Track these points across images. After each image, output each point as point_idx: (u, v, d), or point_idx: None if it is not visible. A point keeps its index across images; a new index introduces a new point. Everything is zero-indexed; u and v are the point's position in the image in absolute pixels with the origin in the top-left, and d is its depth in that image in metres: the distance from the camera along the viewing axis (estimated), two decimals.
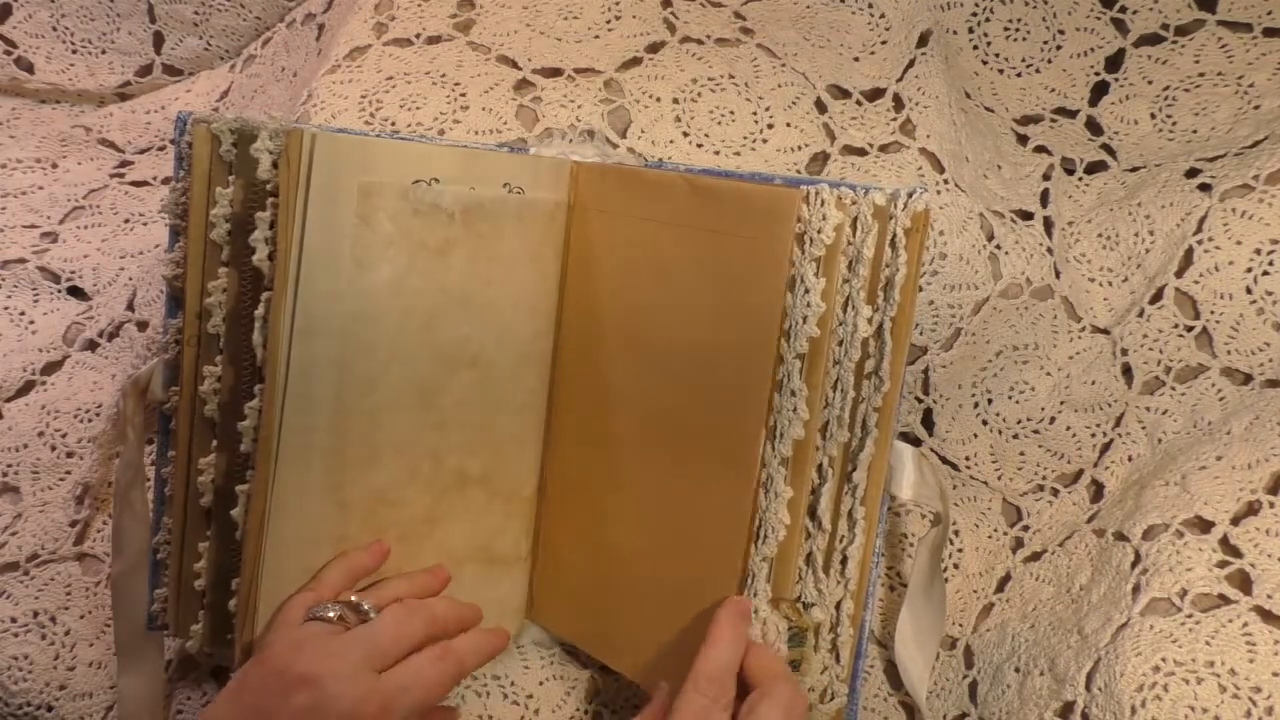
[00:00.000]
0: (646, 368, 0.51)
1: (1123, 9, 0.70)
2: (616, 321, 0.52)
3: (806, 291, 0.46)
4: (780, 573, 0.49)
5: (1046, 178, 0.68)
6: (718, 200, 0.48)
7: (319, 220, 0.45)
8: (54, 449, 0.61)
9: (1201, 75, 0.69)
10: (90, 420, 0.62)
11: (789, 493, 0.48)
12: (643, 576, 0.53)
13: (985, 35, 0.71)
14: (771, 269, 0.47)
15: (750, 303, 0.47)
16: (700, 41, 0.64)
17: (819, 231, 0.46)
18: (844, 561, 0.50)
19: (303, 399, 0.47)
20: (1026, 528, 0.62)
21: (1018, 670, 0.56)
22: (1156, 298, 0.63)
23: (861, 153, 0.62)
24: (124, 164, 0.76)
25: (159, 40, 0.77)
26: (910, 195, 0.47)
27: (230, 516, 0.50)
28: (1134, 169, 0.68)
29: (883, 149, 0.62)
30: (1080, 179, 0.69)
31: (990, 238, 0.62)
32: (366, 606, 0.47)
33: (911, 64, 0.65)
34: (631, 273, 0.51)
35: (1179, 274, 0.62)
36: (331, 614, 0.46)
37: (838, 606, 0.51)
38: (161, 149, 0.77)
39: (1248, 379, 0.61)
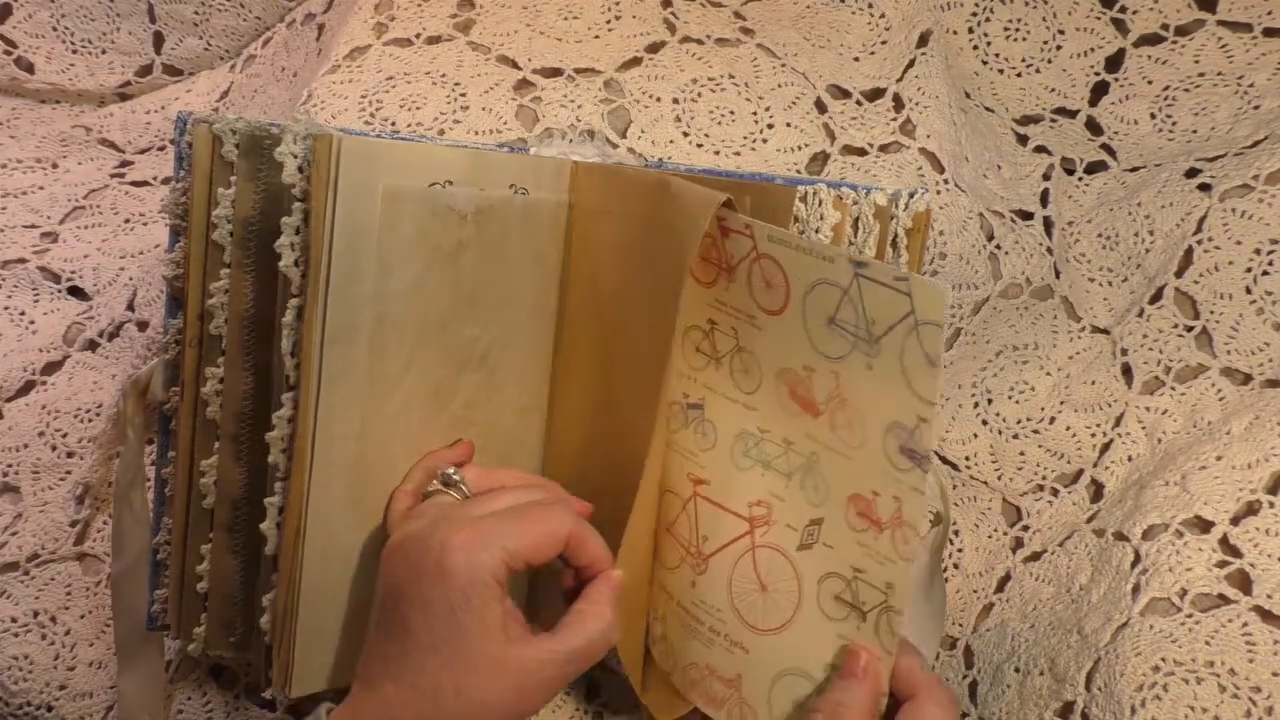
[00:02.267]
0: (649, 367, 0.51)
1: (1123, 9, 0.70)
2: (617, 321, 0.52)
3: None
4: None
5: (1046, 178, 0.68)
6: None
7: (347, 225, 0.45)
8: (54, 449, 0.61)
9: (1201, 75, 0.69)
10: (90, 420, 0.62)
11: None
12: (643, 575, 0.53)
13: (985, 35, 0.71)
14: None
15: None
16: (700, 41, 0.64)
17: (816, 231, 0.46)
18: None
19: (332, 408, 0.46)
20: (1026, 528, 0.62)
21: (1018, 670, 0.56)
22: (1156, 298, 0.63)
23: (861, 153, 0.62)
24: (124, 164, 0.76)
25: (159, 40, 0.77)
26: (912, 196, 0.47)
27: (242, 524, 0.50)
28: (1134, 169, 0.69)
29: (883, 149, 0.62)
30: (1080, 179, 0.69)
31: (990, 238, 0.62)
32: (455, 474, 0.48)
33: (911, 64, 0.66)
34: (631, 272, 0.51)
35: (1179, 274, 0.62)
36: (431, 487, 0.48)
37: None
38: (161, 149, 0.77)
39: (1248, 379, 0.61)
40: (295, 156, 0.45)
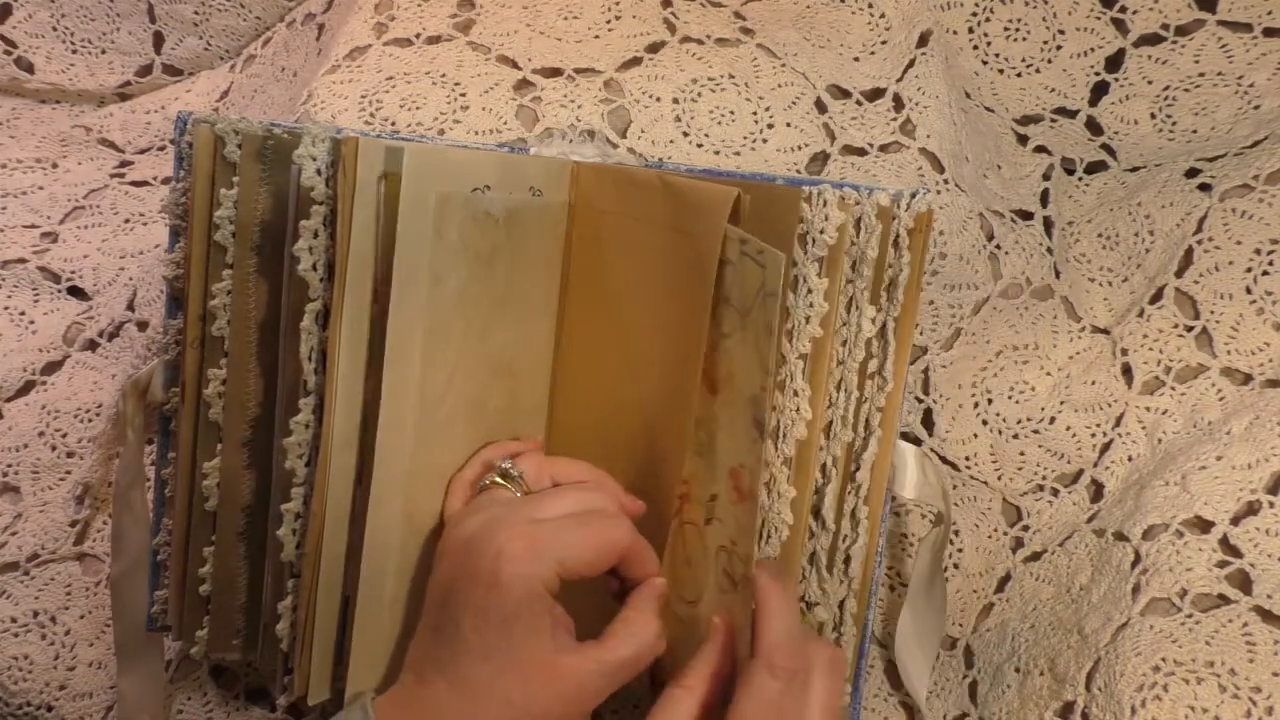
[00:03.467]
0: (653, 368, 0.51)
1: (1123, 9, 0.70)
2: (633, 320, 0.52)
3: (809, 292, 0.46)
4: (784, 571, 0.50)
5: (1046, 178, 0.68)
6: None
7: (409, 236, 0.44)
8: (54, 449, 0.61)
9: (1201, 75, 0.69)
10: (90, 420, 0.62)
11: (792, 492, 0.48)
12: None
13: (985, 35, 0.71)
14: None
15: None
16: (700, 41, 0.64)
17: (821, 232, 0.46)
18: (847, 560, 0.50)
19: (391, 422, 0.46)
20: (1026, 528, 0.62)
21: (1018, 670, 0.56)
22: (1156, 298, 0.63)
23: (861, 153, 0.62)
24: (124, 164, 0.76)
25: (159, 40, 0.77)
26: (914, 196, 0.47)
27: (249, 529, 0.50)
28: (1134, 169, 0.69)
29: (883, 149, 0.62)
30: (1080, 179, 0.69)
31: (990, 237, 0.62)
32: (512, 468, 0.48)
33: (911, 64, 0.66)
34: (642, 273, 0.51)
35: (1179, 274, 0.62)
36: (487, 480, 0.48)
37: (841, 605, 0.51)
38: (161, 149, 0.77)
39: (1248, 379, 0.61)
40: (314, 159, 0.45)
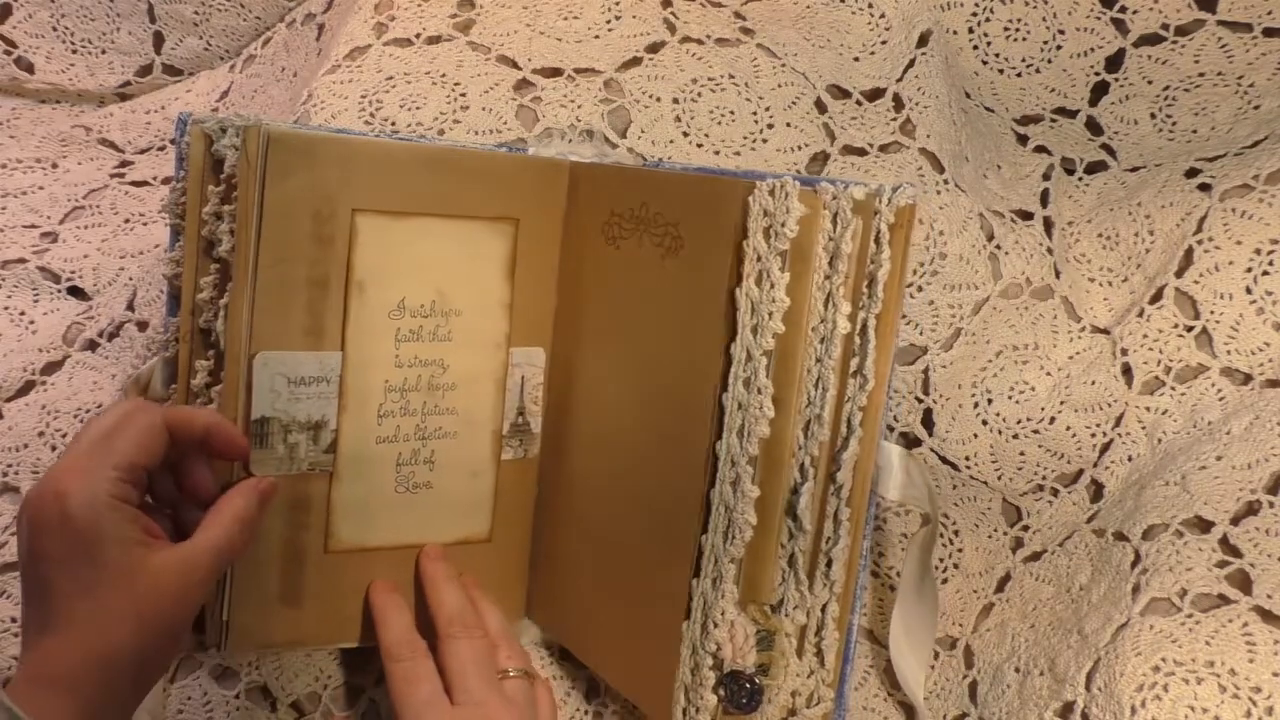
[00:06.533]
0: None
1: (1123, 9, 0.70)
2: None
3: (772, 286, 0.45)
4: (754, 574, 0.48)
5: (1046, 178, 0.68)
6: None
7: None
8: (54, 449, 0.61)
9: (1201, 75, 0.68)
10: None
11: (756, 492, 0.47)
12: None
13: (985, 35, 0.71)
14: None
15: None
16: (700, 41, 0.64)
17: (783, 225, 0.45)
18: (829, 564, 0.49)
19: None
20: (1026, 528, 0.62)
21: (1018, 670, 0.56)
22: (1156, 298, 0.63)
23: (861, 153, 0.62)
24: (124, 164, 0.76)
25: (159, 40, 0.77)
26: (895, 190, 0.46)
27: None
28: (1134, 169, 0.68)
29: (883, 149, 0.62)
30: (1080, 179, 0.69)
31: (990, 238, 0.62)
32: None
33: (911, 64, 0.66)
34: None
35: (1179, 274, 0.62)
36: None
37: (823, 609, 0.49)
38: (161, 149, 0.77)
39: (1248, 379, 0.61)
40: (235, 149, 0.48)
